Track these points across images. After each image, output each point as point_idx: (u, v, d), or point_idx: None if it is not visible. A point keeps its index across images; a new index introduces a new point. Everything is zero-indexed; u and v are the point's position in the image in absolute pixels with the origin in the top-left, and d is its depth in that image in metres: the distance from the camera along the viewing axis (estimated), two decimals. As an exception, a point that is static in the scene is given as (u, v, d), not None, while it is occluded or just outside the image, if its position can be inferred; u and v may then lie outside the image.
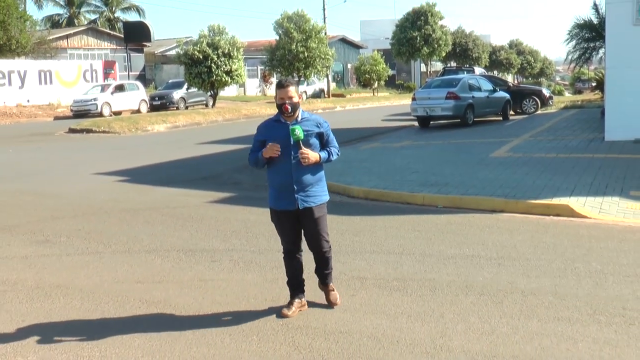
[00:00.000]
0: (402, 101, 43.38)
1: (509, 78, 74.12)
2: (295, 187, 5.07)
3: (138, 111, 35.21)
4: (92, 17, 66.20)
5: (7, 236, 8.35)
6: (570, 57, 27.84)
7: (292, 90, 4.98)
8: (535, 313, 5.20)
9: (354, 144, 18.00)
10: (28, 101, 38.05)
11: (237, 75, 35.98)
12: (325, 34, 46.12)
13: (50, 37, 45.49)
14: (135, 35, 47.93)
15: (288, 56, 41.55)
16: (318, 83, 53.51)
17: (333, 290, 5.45)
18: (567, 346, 4.57)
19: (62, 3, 64.41)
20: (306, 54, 41.30)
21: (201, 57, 34.54)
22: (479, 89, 22.96)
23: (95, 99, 33.71)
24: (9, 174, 14.11)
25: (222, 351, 4.66)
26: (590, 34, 26.13)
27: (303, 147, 4.96)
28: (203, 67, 34.62)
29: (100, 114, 32.78)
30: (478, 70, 41.18)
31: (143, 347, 4.76)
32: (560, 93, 64.65)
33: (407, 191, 10.18)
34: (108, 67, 44.90)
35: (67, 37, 48.82)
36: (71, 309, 5.65)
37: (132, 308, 5.60)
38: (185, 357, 4.58)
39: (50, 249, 7.67)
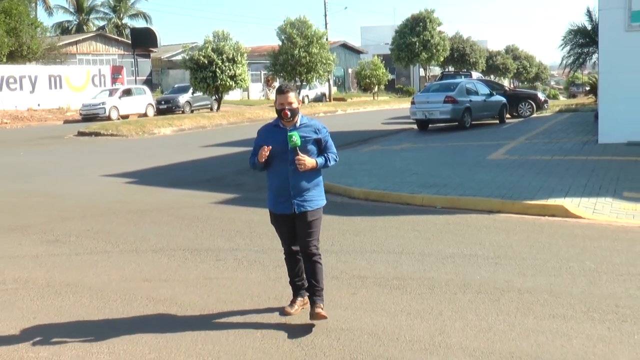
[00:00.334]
0: (402, 105, 43.35)
1: (505, 82, 73.98)
2: (291, 192, 4.98)
3: (145, 115, 35.25)
4: (101, 23, 66.34)
5: (19, 236, 8.36)
6: (564, 62, 27.91)
7: (291, 96, 4.93)
8: (531, 311, 5.20)
9: (354, 146, 18.01)
10: (39, 105, 38.09)
11: (241, 80, 35.97)
12: (327, 39, 46.09)
13: (60, 43, 45.53)
14: (142, 41, 47.95)
15: (290, 61, 41.56)
16: (320, 87, 53.49)
17: (321, 310, 4.97)
18: (562, 342, 4.57)
19: (71, 10, 64.59)
20: (308, 59, 41.30)
21: (206, 62, 34.55)
22: (476, 93, 22.96)
23: (103, 103, 33.78)
24: (21, 176, 14.12)
25: (226, 348, 4.67)
26: (584, 40, 26.17)
27: (300, 154, 4.88)
28: (208, 72, 34.63)
29: (109, 118, 32.83)
30: (475, 74, 41.26)
31: (150, 344, 4.77)
32: (555, 97, 64.57)
33: (407, 192, 10.18)
34: (116, 72, 44.96)
35: (76, 43, 48.85)
36: (80, 306, 5.66)
37: (140, 306, 5.61)
38: (190, 354, 4.58)
39: (60, 249, 7.68)
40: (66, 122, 34.18)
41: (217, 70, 34.53)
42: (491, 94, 23.92)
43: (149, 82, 49.70)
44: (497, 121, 24.32)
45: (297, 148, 4.86)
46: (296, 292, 5.35)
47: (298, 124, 5.01)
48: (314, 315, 4.96)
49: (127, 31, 60.37)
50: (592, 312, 5.13)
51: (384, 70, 55.39)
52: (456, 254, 6.93)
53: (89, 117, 33.36)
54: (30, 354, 4.65)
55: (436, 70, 65.39)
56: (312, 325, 4.97)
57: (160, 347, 4.71)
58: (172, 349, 4.66)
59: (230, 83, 35.34)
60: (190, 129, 28.17)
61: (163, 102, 37.53)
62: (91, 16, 66.61)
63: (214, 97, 37.49)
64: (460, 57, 68.53)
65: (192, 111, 37.18)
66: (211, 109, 38.29)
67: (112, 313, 5.45)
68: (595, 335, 4.68)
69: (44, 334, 5.03)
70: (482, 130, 21.46)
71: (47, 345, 4.82)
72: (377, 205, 9.95)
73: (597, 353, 4.40)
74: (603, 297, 5.46)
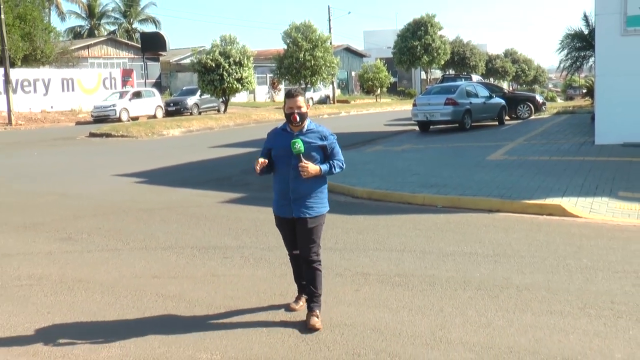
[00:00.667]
0: (403, 107, 43.35)
1: (504, 85, 73.97)
2: (291, 197, 4.88)
3: (154, 116, 35.30)
4: (112, 28, 66.49)
5: (33, 234, 8.39)
6: (562, 65, 27.84)
7: (300, 100, 4.83)
8: (529, 307, 5.19)
9: (358, 147, 18.00)
10: (52, 107, 38.21)
11: (247, 83, 35.98)
12: (331, 43, 46.09)
13: (73, 47, 45.65)
14: (152, 45, 48.06)
15: (295, 64, 41.58)
16: (324, 90, 53.55)
17: (317, 316, 4.92)
18: (559, 338, 4.56)
19: (83, 15, 64.75)
20: (313, 62, 41.31)
21: (214, 65, 34.58)
22: (476, 96, 22.94)
23: (114, 105, 33.84)
24: (34, 176, 14.16)
25: (233, 342, 4.67)
26: (581, 44, 26.11)
27: (303, 160, 4.75)
28: (215, 75, 34.66)
29: (119, 119, 32.88)
30: (475, 77, 41.24)
31: (159, 338, 4.78)
32: (552, 99, 64.44)
33: (408, 192, 10.17)
34: (126, 75, 45.04)
35: (88, 47, 48.95)
36: (92, 302, 5.67)
37: (149, 301, 5.62)
38: (199, 348, 4.59)
39: (72, 246, 7.70)
40: (78, 123, 34.24)
41: (224, 73, 34.56)
42: (491, 97, 23.89)
43: (158, 85, 49.78)
44: (497, 123, 24.29)
45: (301, 154, 4.75)
46: (301, 289, 5.35)
47: (305, 129, 4.89)
48: (308, 325, 4.87)
49: (137, 35, 60.47)
50: (588, 308, 5.12)
51: (386, 73, 55.42)
52: (456, 252, 6.92)
53: (100, 118, 33.43)
54: (44, 348, 4.66)
55: (437, 73, 65.35)
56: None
57: (169, 341, 4.72)
58: (180, 344, 4.67)
59: (237, 86, 35.36)
60: (198, 130, 28.19)
61: (172, 104, 37.56)
62: (102, 21, 66.77)
63: (221, 100, 37.52)
64: (460, 60, 68.46)
65: (199, 113, 37.20)
66: (218, 110, 38.33)
67: (123, 308, 5.46)
68: (592, 331, 4.67)
69: (57, 329, 5.05)
70: (481, 131, 21.44)
71: (61, 339, 4.84)
72: (379, 204, 9.95)
73: (594, 348, 4.39)
74: (599, 293, 5.45)
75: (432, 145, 17.31)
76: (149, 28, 65.22)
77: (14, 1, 37.29)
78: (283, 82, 50.83)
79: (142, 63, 48.20)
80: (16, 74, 35.99)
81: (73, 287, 6.07)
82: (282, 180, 4.92)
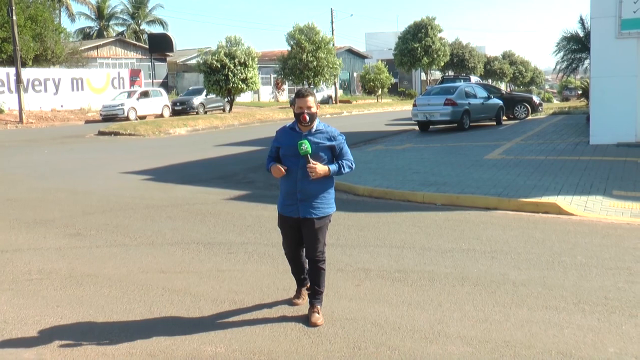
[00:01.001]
0: (404, 107, 43.32)
1: (502, 86, 73.81)
2: (298, 197, 4.79)
3: (161, 115, 35.32)
4: (120, 29, 66.57)
5: (43, 229, 8.41)
6: (558, 67, 27.74)
7: (310, 100, 4.70)
8: (525, 302, 5.20)
9: (359, 146, 17.99)
10: (62, 106, 38.24)
11: (252, 83, 35.98)
12: (333, 45, 46.10)
13: (82, 48, 45.69)
14: (159, 45, 48.07)
15: (299, 65, 41.56)
16: (326, 90, 53.50)
17: (318, 312, 4.92)
18: (554, 332, 4.57)
19: (92, 17, 64.83)
20: (315, 63, 41.29)
21: (219, 65, 34.59)
22: (475, 96, 22.89)
23: (122, 104, 33.84)
24: (45, 173, 14.18)
25: (237, 335, 4.68)
26: (576, 46, 26.02)
27: (311, 161, 4.66)
28: (221, 75, 34.67)
29: (127, 118, 32.90)
30: (474, 78, 41.09)
31: (165, 331, 4.79)
32: (549, 100, 64.46)
33: (409, 190, 10.18)
34: (134, 75, 45.05)
35: (97, 47, 49.00)
36: (100, 296, 5.69)
37: (156, 295, 5.63)
38: (203, 341, 4.60)
39: (81, 242, 7.71)
40: (87, 122, 34.28)
41: (230, 73, 34.57)
42: (489, 97, 23.85)
43: (165, 85, 49.82)
44: (494, 123, 24.25)
45: (309, 155, 4.66)
46: (300, 283, 5.32)
47: (314, 130, 4.79)
48: (310, 321, 4.86)
49: (145, 36, 60.57)
50: (582, 303, 5.12)
51: (387, 74, 55.39)
52: (455, 248, 6.93)
53: (109, 117, 33.45)
54: (54, 340, 4.68)
55: (437, 75, 65.35)
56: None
57: (175, 334, 4.73)
58: (186, 336, 4.68)
59: (242, 86, 35.37)
60: (204, 129, 28.20)
61: (178, 104, 37.57)
62: (111, 22, 66.83)
63: (226, 99, 37.54)
64: (459, 62, 68.42)
65: (205, 112, 37.20)
66: (223, 110, 38.34)
67: (130, 302, 5.48)
68: (586, 326, 4.67)
69: (66, 322, 5.06)
70: (480, 131, 21.41)
71: (70, 332, 4.85)
72: (380, 202, 9.95)
73: (587, 342, 4.39)
74: (593, 289, 5.45)
75: (432, 145, 17.30)
76: (156, 29, 65.43)
77: (26, 3, 37.34)
78: (287, 83, 50.85)
79: (150, 63, 48.20)
80: (27, 73, 36.03)
81: (82, 282, 6.09)
82: (289, 180, 4.82)
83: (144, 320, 5.05)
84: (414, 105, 22.92)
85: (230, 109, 37.66)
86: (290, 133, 4.85)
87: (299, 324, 4.87)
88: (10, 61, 34.73)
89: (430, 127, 22.78)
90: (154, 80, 47.86)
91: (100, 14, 64.61)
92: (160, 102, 36.21)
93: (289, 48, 42.57)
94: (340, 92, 58.05)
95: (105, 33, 63.36)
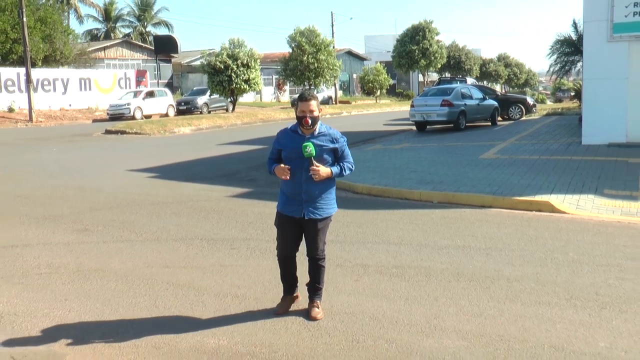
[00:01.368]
0: (402, 108, 43.27)
1: (497, 87, 73.78)
2: (304, 198, 4.73)
3: (166, 115, 35.31)
4: (127, 31, 66.51)
5: (52, 225, 8.41)
6: (552, 69, 27.72)
7: (313, 104, 4.63)
8: (519, 297, 5.20)
9: (358, 145, 17.98)
10: (70, 105, 38.24)
11: (254, 84, 35.94)
12: (334, 47, 46.00)
13: (90, 49, 45.68)
14: (164, 47, 48.00)
15: (300, 67, 41.52)
16: (326, 91, 53.45)
17: (318, 307, 4.90)
18: (547, 327, 4.57)
19: (100, 19, 64.84)
20: (316, 65, 41.24)
21: (222, 67, 34.54)
22: (471, 97, 22.90)
23: (128, 104, 33.82)
24: (54, 171, 14.17)
25: (240, 328, 4.69)
26: (569, 49, 26.01)
27: (315, 163, 4.61)
28: (224, 76, 34.62)
29: (133, 117, 32.89)
30: (470, 80, 41.10)
31: (170, 324, 4.79)
32: (542, 101, 64.33)
33: (406, 188, 10.18)
34: (140, 75, 45.02)
35: (104, 49, 48.96)
36: (107, 289, 5.69)
37: (160, 289, 5.63)
38: (207, 334, 4.60)
39: (89, 237, 7.72)
40: (95, 121, 34.26)
41: (233, 74, 34.53)
42: (484, 98, 23.85)
43: (170, 85, 49.81)
44: (490, 123, 24.26)
45: (312, 157, 4.62)
46: (287, 290, 5.10)
47: (316, 132, 4.72)
48: (310, 316, 4.84)
49: (151, 38, 60.46)
50: (574, 299, 5.13)
51: (386, 76, 55.37)
52: (451, 245, 6.93)
53: (115, 116, 33.44)
54: (61, 333, 4.68)
55: (434, 76, 65.27)
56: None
57: (179, 327, 4.74)
58: (189, 329, 4.68)
59: (245, 86, 35.32)
60: (208, 129, 28.19)
61: (183, 104, 37.55)
62: (118, 24, 66.79)
63: (229, 99, 37.49)
64: (456, 64, 68.34)
65: (209, 112, 37.17)
66: (227, 110, 38.31)
67: (136, 296, 5.48)
68: (577, 321, 4.68)
69: (73, 315, 5.07)
70: (475, 131, 21.41)
71: (77, 324, 4.86)
72: (378, 200, 9.95)
73: (579, 337, 4.40)
74: (584, 286, 5.45)
75: (429, 144, 17.29)
76: (162, 31, 65.33)
77: (36, 5, 37.34)
78: (288, 84, 50.81)
79: (155, 64, 48.14)
80: (37, 73, 36.02)
81: (89, 276, 6.09)
82: (293, 182, 4.73)
83: (149, 313, 5.05)
84: (412, 105, 22.91)
85: (233, 108, 37.62)
86: (293, 135, 4.77)
87: (299, 317, 4.87)
88: (20, 61, 34.74)
89: (427, 127, 22.77)
90: (159, 81, 47.83)
91: (108, 16, 64.59)
92: (166, 102, 36.20)
93: (290, 50, 42.50)
94: (340, 93, 58.03)
95: (112, 35, 63.35)
